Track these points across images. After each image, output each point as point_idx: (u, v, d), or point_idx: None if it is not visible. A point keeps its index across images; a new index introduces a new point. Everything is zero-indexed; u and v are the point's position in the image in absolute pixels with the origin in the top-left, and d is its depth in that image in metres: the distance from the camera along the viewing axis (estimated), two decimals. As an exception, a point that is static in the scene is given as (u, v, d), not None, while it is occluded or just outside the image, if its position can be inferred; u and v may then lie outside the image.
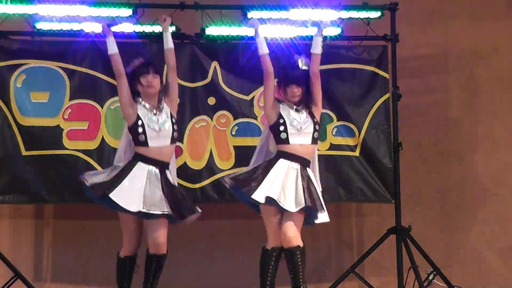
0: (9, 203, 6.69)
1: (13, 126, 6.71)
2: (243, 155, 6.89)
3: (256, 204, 5.61)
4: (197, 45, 6.88)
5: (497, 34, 7.68)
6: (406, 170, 7.02)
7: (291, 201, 5.43)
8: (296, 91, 5.57)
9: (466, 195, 7.63)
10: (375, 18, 7.00)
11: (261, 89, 6.89)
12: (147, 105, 5.56)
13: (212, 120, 6.98)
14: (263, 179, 5.52)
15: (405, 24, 7.28)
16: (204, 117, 6.97)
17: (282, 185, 5.47)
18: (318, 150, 6.89)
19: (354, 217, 7.57)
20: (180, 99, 6.75)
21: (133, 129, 5.53)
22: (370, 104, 6.96)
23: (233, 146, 7.00)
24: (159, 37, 6.56)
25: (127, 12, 6.69)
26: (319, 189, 5.68)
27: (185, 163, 6.90)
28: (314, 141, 5.66)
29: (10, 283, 6.54)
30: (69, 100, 6.69)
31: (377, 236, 6.95)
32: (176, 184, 5.79)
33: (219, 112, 6.99)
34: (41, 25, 6.67)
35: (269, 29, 6.66)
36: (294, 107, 5.60)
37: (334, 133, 6.92)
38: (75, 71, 6.69)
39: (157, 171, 5.55)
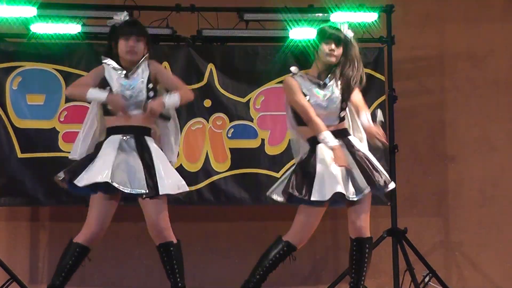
0: (5, 206, 6.71)
1: (9, 129, 6.71)
2: (239, 157, 7.00)
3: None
4: (193, 47, 6.90)
5: (493, 36, 7.69)
6: (402, 172, 7.01)
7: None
8: None
9: (462, 197, 7.64)
10: (372, 22, 6.97)
11: (257, 91, 7.02)
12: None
13: (208, 123, 7.00)
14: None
15: (401, 26, 7.28)
16: (200, 119, 6.98)
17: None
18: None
19: None
20: None
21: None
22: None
23: (229, 149, 7.01)
24: (154, 39, 6.58)
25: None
26: None
27: (181, 165, 6.85)
28: None
29: (5, 285, 6.48)
30: (65, 103, 6.68)
31: (373, 237, 6.54)
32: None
33: (215, 115, 7.01)
34: (36, 28, 6.67)
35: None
36: None
37: (330, 135, 6.95)
38: (71, 73, 6.68)
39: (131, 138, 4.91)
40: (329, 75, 5.07)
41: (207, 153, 6.98)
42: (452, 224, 7.57)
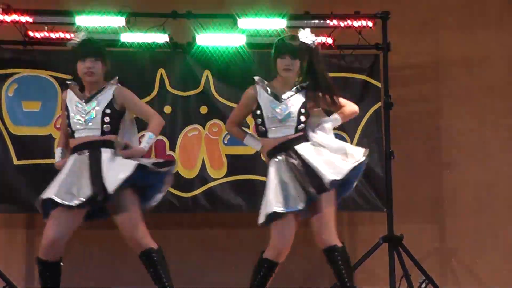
0: (1, 213, 6.71)
1: (5, 135, 6.76)
2: (235, 164, 7.01)
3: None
4: (189, 54, 6.91)
5: (488, 43, 7.71)
6: (398, 178, 7.00)
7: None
8: None
9: (458, 203, 7.64)
10: (366, 27, 6.97)
11: None
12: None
13: (204, 129, 7.01)
14: None
15: (397, 33, 7.29)
16: (196, 125, 6.99)
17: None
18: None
19: (347, 225, 7.54)
20: (172, 108, 6.97)
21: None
22: (362, 113, 6.67)
23: (225, 155, 7.03)
24: (151, 45, 6.78)
25: (120, 20, 6.73)
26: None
27: (177, 172, 6.84)
28: None
29: None
30: (61, 109, 6.64)
31: (369, 244, 6.93)
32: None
33: (211, 121, 7.01)
34: (33, 34, 6.71)
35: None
36: None
37: (326, 142, 6.94)
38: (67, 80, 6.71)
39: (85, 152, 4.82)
40: (290, 89, 4.90)
41: (203, 160, 6.99)
42: (448, 230, 7.59)
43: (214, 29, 6.94)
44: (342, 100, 5.01)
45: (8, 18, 6.67)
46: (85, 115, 4.80)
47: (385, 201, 6.89)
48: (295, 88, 4.90)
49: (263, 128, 4.87)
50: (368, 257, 6.88)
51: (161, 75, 6.86)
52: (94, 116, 4.80)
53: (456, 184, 7.63)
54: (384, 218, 6.88)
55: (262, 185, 6.70)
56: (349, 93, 6.89)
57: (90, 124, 4.80)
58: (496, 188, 7.62)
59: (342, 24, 6.86)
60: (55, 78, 6.69)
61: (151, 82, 6.75)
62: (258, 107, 4.88)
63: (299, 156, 4.83)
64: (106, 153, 4.81)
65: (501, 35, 7.72)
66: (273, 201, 4.80)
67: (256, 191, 6.87)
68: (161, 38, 6.84)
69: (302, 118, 4.89)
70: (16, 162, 6.61)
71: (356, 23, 6.89)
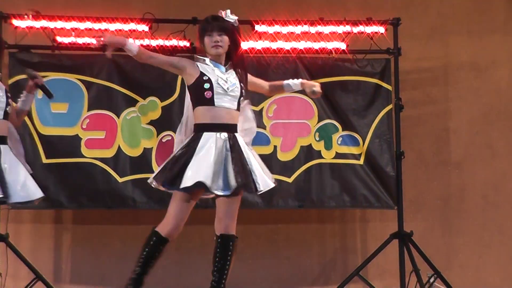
0: (30, 209, 6.67)
1: (34, 136, 6.73)
2: None
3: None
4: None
5: (494, 48, 7.65)
6: (408, 177, 7.03)
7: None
8: None
9: (466, 201, 7.57)
10: (378, 32, 6.95)
11: (269, 100, 6.96)
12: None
13: None
14: None
15: (408, 38, 7.24)
16: None
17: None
18: (324, 158, 6.95)
19: (359, 222, 7.49)
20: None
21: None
22: (373, 115, 6.98)
23: None
24: (172, 50, 6.76)
25: (143, 26, 6.77)
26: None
27: None
28: None
29: (31, 284, 6.55)
30: (87, 111, 6.72)
31: (380, 240, 6.92)
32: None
33: None
34: (60, 39, 6.75)
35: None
36: None
37: (339, 142, 6.94)
38: (93, 83, 6.74)
39: None
40: (226, 64, 4.86)
41: None
42: (456, 227, 7.53)
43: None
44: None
45: (37, 24, 6.70)
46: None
47: (395, 199, 6.86)
48: (230, 65, 4.88)
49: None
50: (379, 252, 6.86)
51: (182, 78, 6.86)
52: None
53: (464, 183, 7.56)
54: (395, 216, 6.85)
55: (278, 183, 6.40)
56: (361, 95, 6.98)
57: None
58: (502, 187, 7.56)
59: (355, 30, 6.86)
60: (82, 81, 6.72)
61: (173, 85, 6.73)
62: None
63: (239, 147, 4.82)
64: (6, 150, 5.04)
65: (507, 40, 7.66)
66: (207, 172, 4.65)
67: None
68: (182, 43, 6.83)
69: (243, 92, 4.89)
70: (44, 160, 6.63)
71: (369, 29, 6.88)
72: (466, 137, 7.62)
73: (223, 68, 4.89)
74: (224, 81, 4.83)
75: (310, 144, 7.05)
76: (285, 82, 5.24)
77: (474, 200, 7.60)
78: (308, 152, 7.02)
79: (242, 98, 4.93)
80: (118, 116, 6.88)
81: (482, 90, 7.65)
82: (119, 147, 6.87)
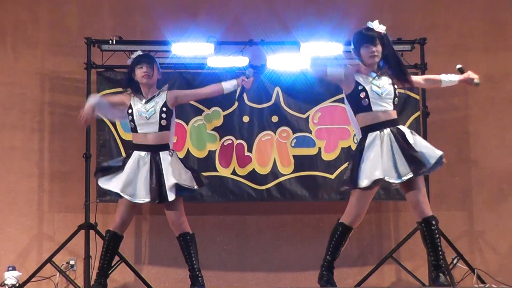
0: (115, 202, 6.29)
1: (118, 141, 7.24)
2: (300, 162, 7.42)
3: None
4: (262, 74, 7.26)
5: (508, 62, 7.87)
6: (433, 174, 6.59)
7: None
8: None
9: (484, 194, 7.76)
10: (407, 50, 7.34)
11: (315, 108, 7.41)
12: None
13: (275, 134, 7.44)
14: None
15: (432, 55, 7.47)
16: (269, 132, 7.45)
17: None
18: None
19: (392, 212, 7.73)
20: (249, 117, 7.40)
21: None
22: (404, 121, 7.13)
23: (293, 155, 7.45)
24: (232, 67, 7.23)
25: (209, 48, 7.20)
26: None
27: (253, 169, 7.38)
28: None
29: (116, 265, 6.80)
30: None
31: (410, 227, 7.04)
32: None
33: (281, 128, 7.46)
34: (212, 62, 7.18)
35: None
36: None
37: (375, 144, 7.29)
38: None
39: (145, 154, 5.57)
40: (378, 72, 5.13)
41: (274, 159, 7.44)
42: (476, 216, 7.76)
43: (283, 53, 7.18)
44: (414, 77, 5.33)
45: (120, 48, 7.20)
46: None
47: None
48: (381, 72, 5.14)
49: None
50: (409, 238, 7.06)
51: (239, 91, 6.61)
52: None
53: (482, 178, 7.77)
54: (422, 206, 6.97)
55: (322, 179, 7.38)
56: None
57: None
58: (516, 180, 7.59)
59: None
60: (154, 95, 7.00)
61: (233, 97, 6.59)
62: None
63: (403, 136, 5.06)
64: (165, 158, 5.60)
65: (519, 55, 7.66)
66: (381, 168, 4.93)
67: (318, 184, 7.39)
68: (241, 61, 7.21)
69: (395, 95, 5.16)
70: (126, 161, 7.00)
71: (399, 47, 6.97)
72: (483, 139, 7.81)
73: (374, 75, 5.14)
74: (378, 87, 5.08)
75: (350, 146, 7.45)
76: (443, 78, 5.53)
77: (492, 192, 7.78)
78: (348, 153, 7.36)
79: (396, 98, 5.19)
80: (187, 124, 7.41)
81: (497, 98, 7.86)
82: (188, 150, 7.37)
